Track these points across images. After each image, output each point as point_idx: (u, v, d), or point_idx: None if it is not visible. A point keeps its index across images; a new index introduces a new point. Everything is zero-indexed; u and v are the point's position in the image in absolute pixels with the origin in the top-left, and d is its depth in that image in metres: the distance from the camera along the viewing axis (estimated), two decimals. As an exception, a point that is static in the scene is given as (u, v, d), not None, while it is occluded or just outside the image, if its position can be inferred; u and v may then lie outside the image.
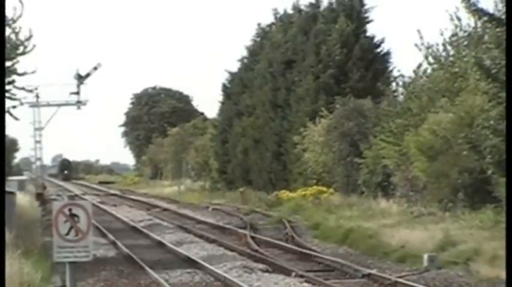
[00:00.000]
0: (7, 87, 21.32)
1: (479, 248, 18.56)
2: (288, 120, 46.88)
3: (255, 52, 56.22)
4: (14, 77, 22.17)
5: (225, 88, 61.35)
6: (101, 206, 47.38)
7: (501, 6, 19.94)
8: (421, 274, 17.60)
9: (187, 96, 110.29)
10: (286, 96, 47.81)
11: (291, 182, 44.92)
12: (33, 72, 23.82)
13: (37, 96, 46.84)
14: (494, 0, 21.00)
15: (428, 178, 27.73)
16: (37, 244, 19.99)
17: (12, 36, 22.08)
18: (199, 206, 45.58)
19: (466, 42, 29.93)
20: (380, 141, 32.85)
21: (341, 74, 43.70)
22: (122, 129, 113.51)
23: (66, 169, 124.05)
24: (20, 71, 23.24)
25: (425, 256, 18.54)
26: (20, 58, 22.41)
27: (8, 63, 21.24)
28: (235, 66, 60.45)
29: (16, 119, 24.14)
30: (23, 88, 22.97)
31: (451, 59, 31.26)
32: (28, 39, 22.81)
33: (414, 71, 33.98)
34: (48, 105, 50.49)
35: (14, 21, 21.96)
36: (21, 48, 22.29)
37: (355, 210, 31.40)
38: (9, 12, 22.92)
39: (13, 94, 22.75)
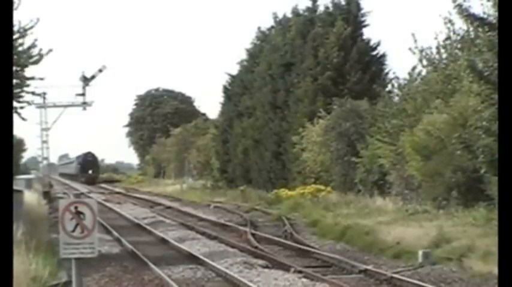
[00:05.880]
0: (17, 90, 21.74)
1: (472, 244, 18.65)
2: (287, 121, 47.14)
3: (255, 55, 56.49)
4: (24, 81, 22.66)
5: (225, 90, 61.69)
6: (106, 204, 47.58)
7: (493, 11, 20.24)
8: (416, 270, 17.67)
9: (189, 98, 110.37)
10: (285, 98, 48.06)
11: (290, 180, 45.20)
12: (41, 79, 24.36)
13: (44, 97, 47.37)
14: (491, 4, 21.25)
15: (423, 177, 27.89)
16: (44, 241, 20.00)
17: (21, 42, 22.55)
18: (201, 204, 45.79)
19: (459, 45, 30.26)
20: (376, 141, 33.03)
21: (338, 76, 43.97)
22: (126, 129, 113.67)
23: (91, 168, 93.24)
24: (28, 74, 23.81)
25: (420, 252, 18.62)
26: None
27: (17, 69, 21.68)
28: (235, 69, 60.96)
29: (23, 119, 24.70)
30: (32, 92, 23.45)
31: (444, 61, 31.58)
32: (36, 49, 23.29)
33: (409, 73, 34.31)
34: (55, 106, 50.74)
35: (26, 30, 22.41)
36: (33, 56, 22.72)
37: (352, 208, 31.51)
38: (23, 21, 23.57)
39: (21, 96, 23.23)
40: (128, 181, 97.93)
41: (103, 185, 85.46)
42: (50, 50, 24.25)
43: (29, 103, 24.62)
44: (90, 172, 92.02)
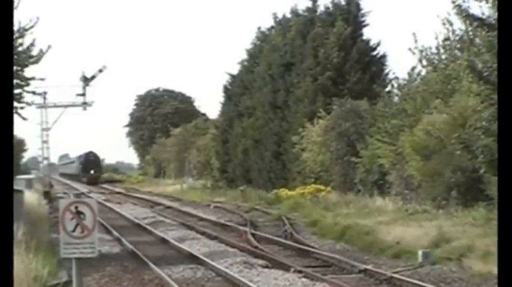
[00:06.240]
0: (18, 90, 21.79)
1: (472, 244, 18.71)
2: (287, 121, 47.22)
3: (255, 55, 56.58)
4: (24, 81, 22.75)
5: (226, 90, 61.78)
6: (106, 203, 47.71)
7: (492, 12, 20.27)
8: (416, 270, 17.70)
9: (189, 98, 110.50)
10: (285, 98, 48.14)
11: (290, 180, 45.28)
12: (42, 79, 24.49)
13: (44, 97, 47.53)
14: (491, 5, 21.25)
15: (422, 177, 27.94)
16: (44, 241, 20.03)
17: (21, 42, 22.64)
18: (201, 204, 45.88)
19: (458, 46, 30.31)
20: (376, 141, 33.07)
21: (338, 76, 44.03)
22: (127, 129, 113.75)
23: (93, 168, 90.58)
24: (28, 74, 23.90)
25: (420, 252, 18.66)
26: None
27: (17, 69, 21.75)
28: (236, 69, 61.05)
29: (24, 119, 24.81)
30: (33, 92, 23.55)
31: (444, 61, 31.62)
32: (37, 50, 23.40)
33: (409, 74, 34.36)
34: (55, 106, 50.97)
35: (26, 30, 22.49)
36: (33, 56, 22.82)
37: (352, 208, 31.57)
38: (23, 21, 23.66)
39: (22, 97, 23.31)
40: (128, 180, 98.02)
41: (105, 185, 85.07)
42: (49, 47, 24.39)
43: (29, 104, 24.74)
44: (92, 172, 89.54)
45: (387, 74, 44.59)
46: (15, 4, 21.98)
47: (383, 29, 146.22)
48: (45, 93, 46.29)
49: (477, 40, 21.79)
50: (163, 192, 64.54)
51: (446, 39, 31.50)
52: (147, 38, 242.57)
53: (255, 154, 52.43)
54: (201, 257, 20.13)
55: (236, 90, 59.03)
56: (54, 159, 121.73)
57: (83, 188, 75.36)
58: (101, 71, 50.28)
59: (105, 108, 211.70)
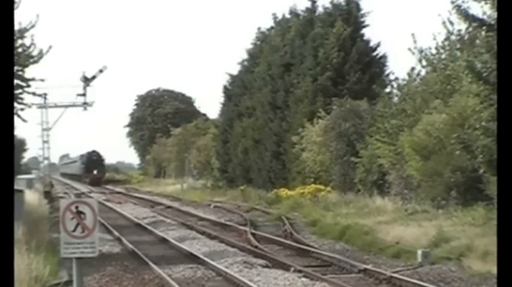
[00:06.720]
0: (18, 91, 21.83)
1: (471, 244, 18.74)
2: (287, 121, 47.22)
3: (255, 55, 56.63)
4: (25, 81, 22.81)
5: (226, 90, 61.85)
6: (107, 203, 47.86)
7: (491, 12, 20.27)
8: (415, 269, 17.75)
9: (189, 98, 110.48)
10: (285, 98, 48.16)
11: (289, 180, 45.27)
12: (42, 80, 24.53)
13: (45, 98, 47.67)
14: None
15: (422, 177, 27.91)
16: (45, 240, 20.04)
17: (21, 43, 22.69)
18: (201, 204, 46.00)
19: (458, 46, 30.29)
20: (375, 141, 33.00)
21: (338, 77, 43.97)
22: (127, 129, 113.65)
23: (97, 168, 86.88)
24: (29, 75, 23.96)
25: (419, 252, 18.69)
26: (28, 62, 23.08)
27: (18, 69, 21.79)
28: (236, 69, 61.09)
29: (24, 121, 24.87)
30: (33, 93, 23.59)
31: (444, 62, 31.60)
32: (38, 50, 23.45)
33: (408, 74, 34.33)
34: (56, 106, 51.14)
35: (27, 30, 22.54)
36: (34, 56, 22.88)
37: (351, 207, 31.50)
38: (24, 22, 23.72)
39: (22, 98, 23.35)
40: (128, 180, 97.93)
41: (107, 186, 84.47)
42: (50, 47, 24.50)
43: (29, 105, 24.79)
44: (95, 172, 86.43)
45: (387, 75, 44.59)
46: (15, 5, 22.00)
47: (383, 30, 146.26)
48: (45, 94, 46.43)
49: (477, 41, 21.78)
50: (163, 192, 64.64)
51: (446, 39, 31.46)
52: (147, 38, 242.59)
53: (255, 154, 52.48)
54: (201, 256, 20.19)
55: (236, 91, 59.07)
56: (54, 159, 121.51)
57: (83, 188, 75.38)
58: (101, 71, 50.35)
59: (105, 108, 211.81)
